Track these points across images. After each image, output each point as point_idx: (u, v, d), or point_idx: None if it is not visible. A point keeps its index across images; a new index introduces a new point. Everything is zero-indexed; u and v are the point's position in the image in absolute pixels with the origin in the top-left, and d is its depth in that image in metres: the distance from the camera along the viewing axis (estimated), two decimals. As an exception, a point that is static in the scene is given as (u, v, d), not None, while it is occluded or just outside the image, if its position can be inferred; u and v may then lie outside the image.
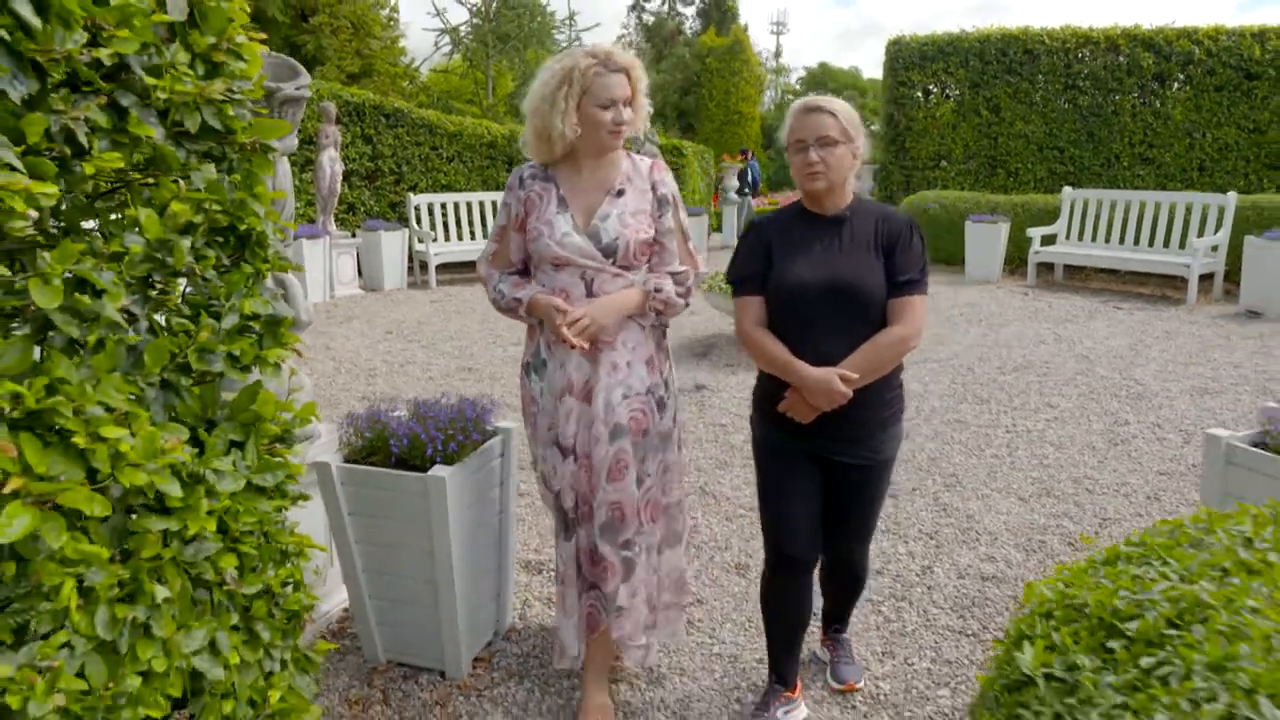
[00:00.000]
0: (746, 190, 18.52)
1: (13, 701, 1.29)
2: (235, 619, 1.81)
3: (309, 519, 3.07)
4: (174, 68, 1.62)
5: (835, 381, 2.39)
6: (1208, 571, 1.42)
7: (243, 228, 1.80)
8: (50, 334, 1.42)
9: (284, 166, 3.00)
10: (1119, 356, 7.69)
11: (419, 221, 12.65)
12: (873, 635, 3.32)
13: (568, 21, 26.36)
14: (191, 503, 1.65)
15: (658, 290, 2.61)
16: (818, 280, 2.45)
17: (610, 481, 2.59)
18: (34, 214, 1.35)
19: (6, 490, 1.28)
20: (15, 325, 1.39)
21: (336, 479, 2.86)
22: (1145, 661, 1.19)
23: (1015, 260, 12.85)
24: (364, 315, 10.03)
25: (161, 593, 1.56)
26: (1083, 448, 5.41)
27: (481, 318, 9.83)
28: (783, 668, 2.81)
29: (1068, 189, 12.48)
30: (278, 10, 16.22)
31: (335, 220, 12.06)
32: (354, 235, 11.96)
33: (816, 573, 2.86)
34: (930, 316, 9.57)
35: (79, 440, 1.40)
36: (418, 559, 2.86)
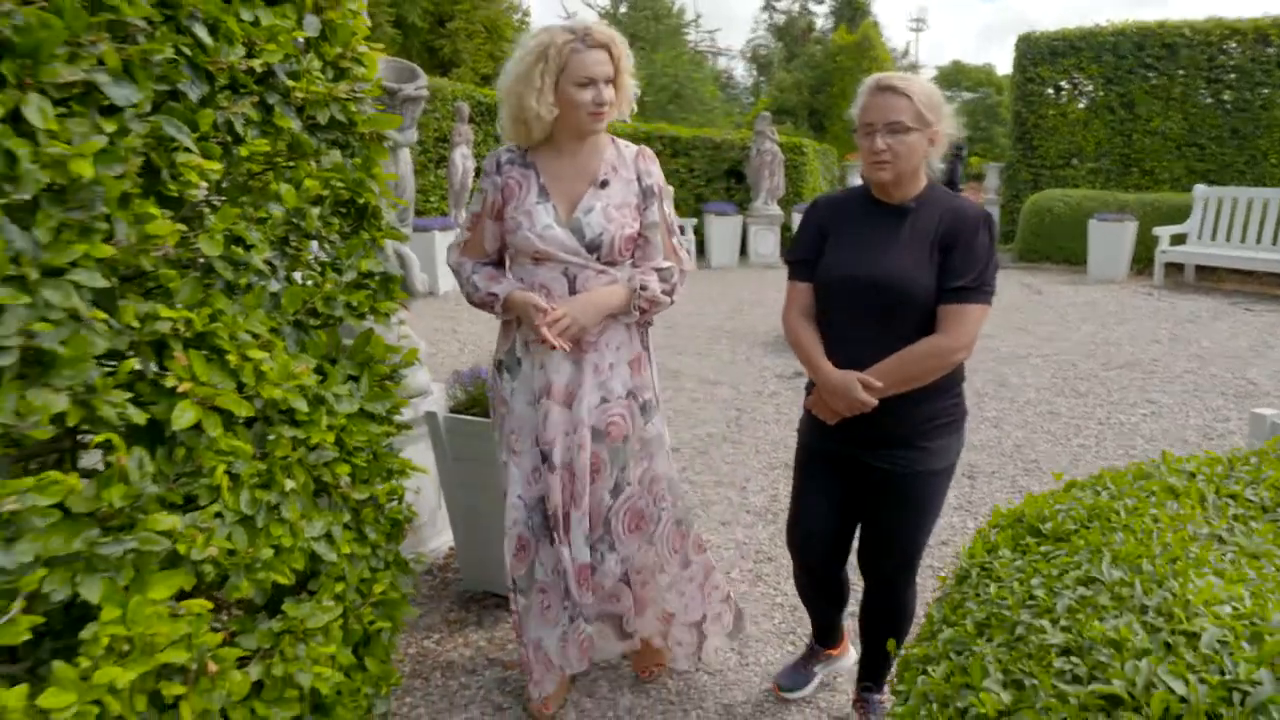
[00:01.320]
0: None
1: (181, 548, 1.72)
2: (347, 518, 2.24)
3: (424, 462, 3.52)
4: (309, 73, 2.05)
5: (855, 387, 2.22)
6: (1138, 494, 1.67)
7: (361, 201, 2.23)
8: (213, 277, 1.86)
9: (405, 155, 3.47)
10: (1236, 357, 7.55)
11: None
12: (930, 600, 3.56)
13: (694, 23, 26.72)
14: (315, 418, 2.09)
15: (643, 288, 2.45)
16: (862, 275, 2.27)
17: (589, 484, 2.51)
18: (204, 185, 1.79)
19: (180, 390, 1.73)
20: (190, 269, 1.84)
21: (442, 428, 3.29)
22: (1044, 548, 1.47)
23: (1144, 260, 12.52)
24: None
25: (289, 484, 1.99)
26: (1174, 441, 5.44)
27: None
28: (822, 634, 2.87)
29: (1200, 186, 12.10)
30: (418, 17, 17.24)
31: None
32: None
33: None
34: (1045, 314, 9.53)
35: (231, 359, 1.84)
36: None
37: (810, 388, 2.46)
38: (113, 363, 1.68)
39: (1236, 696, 0.93)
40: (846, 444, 2.42)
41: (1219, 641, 1.02)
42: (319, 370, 2.16)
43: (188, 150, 1.74)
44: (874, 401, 2.23)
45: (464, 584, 3.58)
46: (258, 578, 1.92)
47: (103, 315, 1.59)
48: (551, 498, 2.47)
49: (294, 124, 2.02)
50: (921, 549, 2.50)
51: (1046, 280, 12.24)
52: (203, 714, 1.75)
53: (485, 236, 2.52)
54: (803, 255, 2.44)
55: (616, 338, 2.50)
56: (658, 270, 2.50)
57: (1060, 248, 13.42)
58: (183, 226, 1.75)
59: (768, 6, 42.34)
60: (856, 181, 11.00)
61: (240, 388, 1.86)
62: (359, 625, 2.31)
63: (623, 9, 23.50)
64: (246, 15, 1.87)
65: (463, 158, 11.71)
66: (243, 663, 1.92)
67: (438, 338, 8.44)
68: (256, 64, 1.90)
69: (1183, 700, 0.94)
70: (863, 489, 2.45)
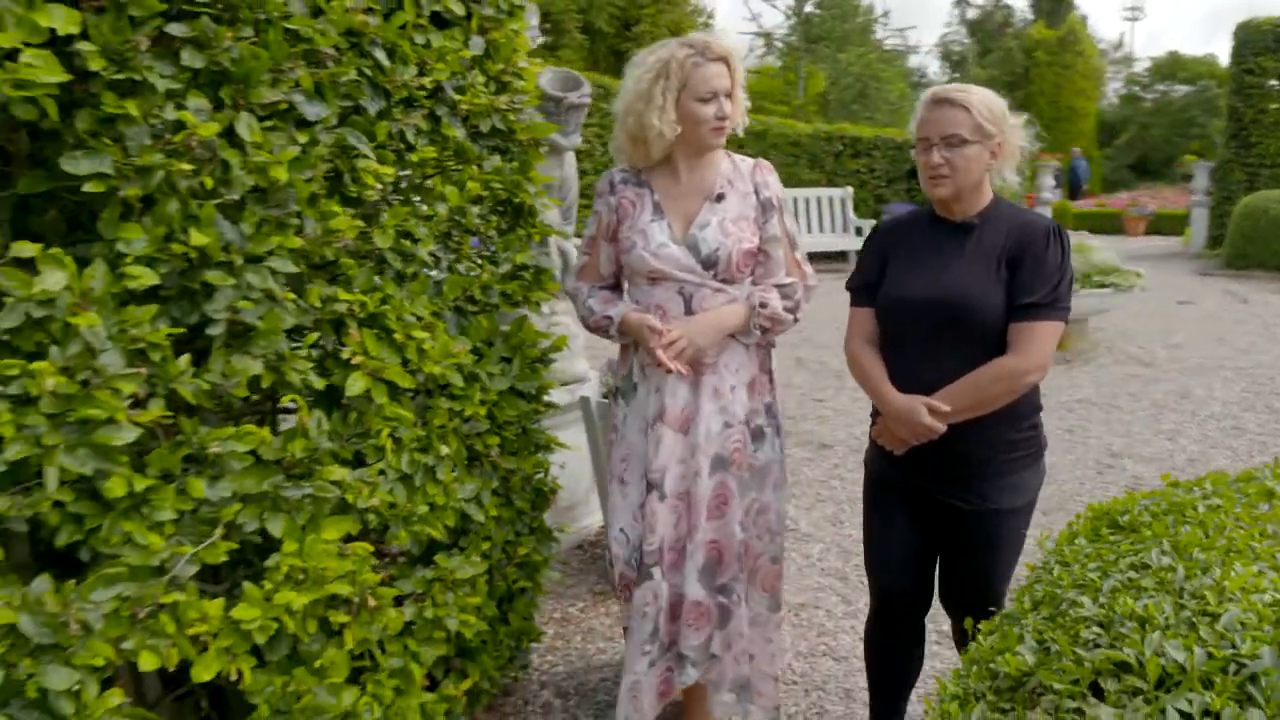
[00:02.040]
0: (1059, 189, 17.73)
1: (349, 497, 2.01)
2: (496, 485, 2.50)
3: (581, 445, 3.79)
4: (473, 87, 2.32)
5: (920, 412, 2.09)
6: (1232, 494, 1.69)
7: (517, 201, 2.49)
8: (384, 266, 2.15)
9: (569, 158, 3.74)
10: None
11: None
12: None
13: (882, 19, 26.28)
14: (469, 393, 2.35)
15: (763, 305, 2.32)
16: (924, 296, 2.16)
17: (710, 520, 2.35)
18: (380, 187, 2.07)
19: (353, 362, 2.01)
20: (365, 259, 2.13)
21: (595, 413, 3.54)
22: (1114, 538, 1.54)
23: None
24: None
25: (444, 450, 2.26)
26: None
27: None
28: None
29: None
30: (604, 22, 17.84)
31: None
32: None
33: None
34: (1248, 324, 8.95)
35: (398, 337, 2.12)
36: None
37: (875, 416, 2.32)
38: (299, 337, 1.99)
39: (1233, 668, 1.01)
40: (917, 476, 2.26)
41: (1239, 623, 1.09)
42: (475, 351, 2.43)
43: (366, 157, 2.03)
44: (941, 428, 2.10)
45: (610, 559, 3.81)
46: (414, 529, 2.20)
47: (292, 296, 1.90)
48: (657, 529, 2.32)
49: (459, 133, 2.29)
50: (1004, 591, 2.29)
51: (1255, 288, 11.43)
52: (362, 642, 2.03)
53: (601, 259, 2.43)
54: (863, 280, 2.34)
55: (736, 359, 2.36)
56: (779, 286, 2.38)
57: (1275, 253, 12.47)
58: (361, 223, 2.04)
59: (961, 1, 41.00)
60: (1049, 181, 10.42)
61: (405, 363, 2.14)
62: (503, 582, 2.57)
63: (808, 8, 23.41)
64: (419, 39, 2.15)
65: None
66: (398, 603, 2.20)
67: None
68: (427, 81, 2.17)
69: (1181, 669, 1.02)
70: (936, 525, 2.30)
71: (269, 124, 1.82)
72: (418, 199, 2.23)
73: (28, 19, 1.43)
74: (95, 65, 1.55)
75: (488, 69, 2.39)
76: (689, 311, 2.31)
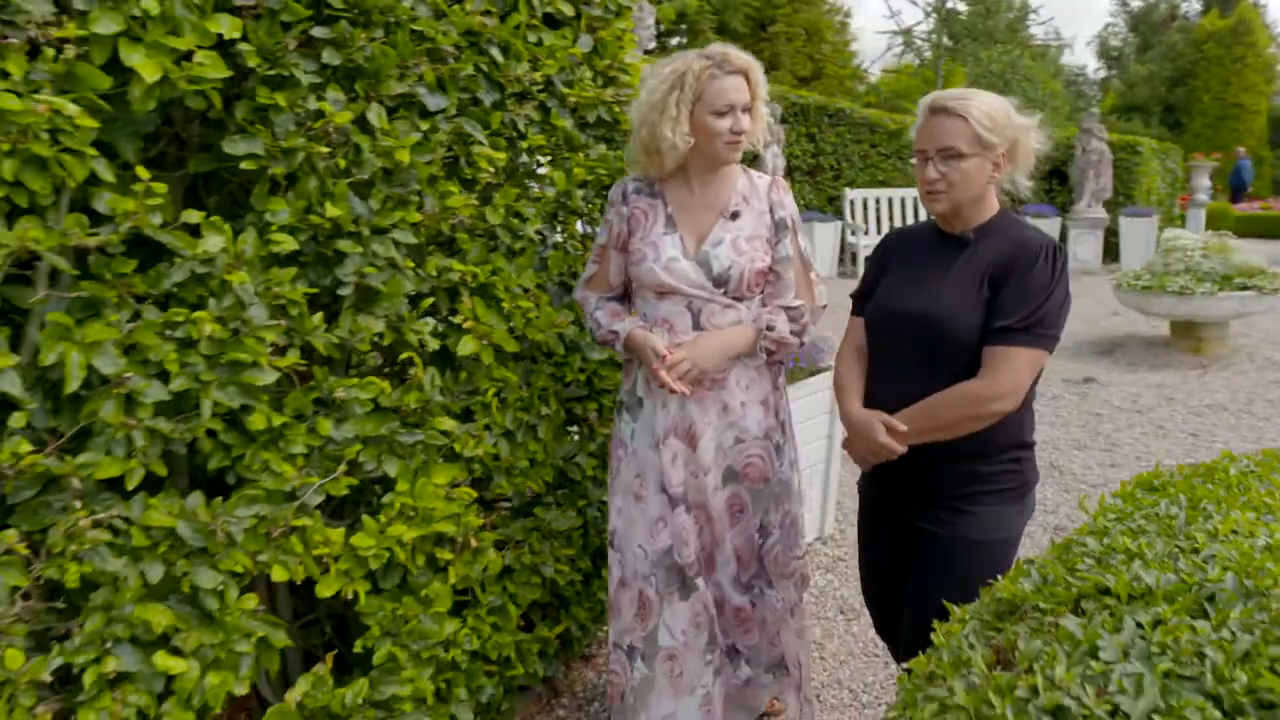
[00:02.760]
0: (1217, 191, 16.82)
1: (457, 447, 2.25)
2: (593, 448, 2.71)
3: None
4: (581, 81, 2.53)
5: (876, 429, 2.03)
6: (1275, 464, 1.74)
7: (619, 187, 2.68)
8: (495, 241, 2.39)
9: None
10: None
11: (852, 215, 13.37)
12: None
13: (1033, 14, 25.43)
14: (570, 360, 2.58)
15: (770, 328, 2.29)
16: (906, 310, 2.09)
17: (731, 526, 2.39)
18: (492, 170, 2.31)
19: (464, 326, 2.26)
20: (478, 235, 2.37)
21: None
22: (1139, 495, 1.62)
23: None
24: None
25: (545, 410, 2.49)
26: None
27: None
28: None
29: None
30: (739, 23, 18.01)
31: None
32: (789, 224, 13.01)
33: None
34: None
35: (505, 305, 2.35)
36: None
37: None
38: (417, 302, 2.24)
39: (1195, 589, 1.11)
40: (896, 498, 2.20)
41: (1213, 555, 1.19)
42: (577, 323, 2.64)
43: (480, 144, 2.27)
44: (898, 447, 2.02)
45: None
46: (514, 481, 2.43)
47: (412, 265, 2.15)
48: (690, 541, 2.32)
49: (567, 123, 2.51)
50: None
51: None
52: (464, 579, 2.28)
53: (610, 269, 2.38)
54: (861, 289, 2.30)
55: (746, 376, 2.33)
56: (787, 309, 2.33)
57: None
58: (475, 201, 2.28)
59: (1124, -6, 39.16)
60: (1204, 183, 9.81)
61: (511, 329, 2.38)
62: (598, 539, 2.77)
63: (950, 3, 22.92)
64: (532, 37, 2.38)
65: (773, 156, 12.15)
66: (499, 548, 2.44)
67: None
68: (538, 75, 2.40)
69: (1149, 589, 1.13)
70: (911, 550, 2.18)
71: (396, 113, 2.08)
72: (528, 182, 2.46)
73: (200, 25, 1.71)
74: (252, 63, 1.83)
75: (595, 65, 2.60)
76: (697, 326, 2.27)
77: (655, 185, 2.32)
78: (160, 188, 1.73)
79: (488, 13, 2.26)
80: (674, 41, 20.33)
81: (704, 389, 2.28)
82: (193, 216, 1.80)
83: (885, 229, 13.46)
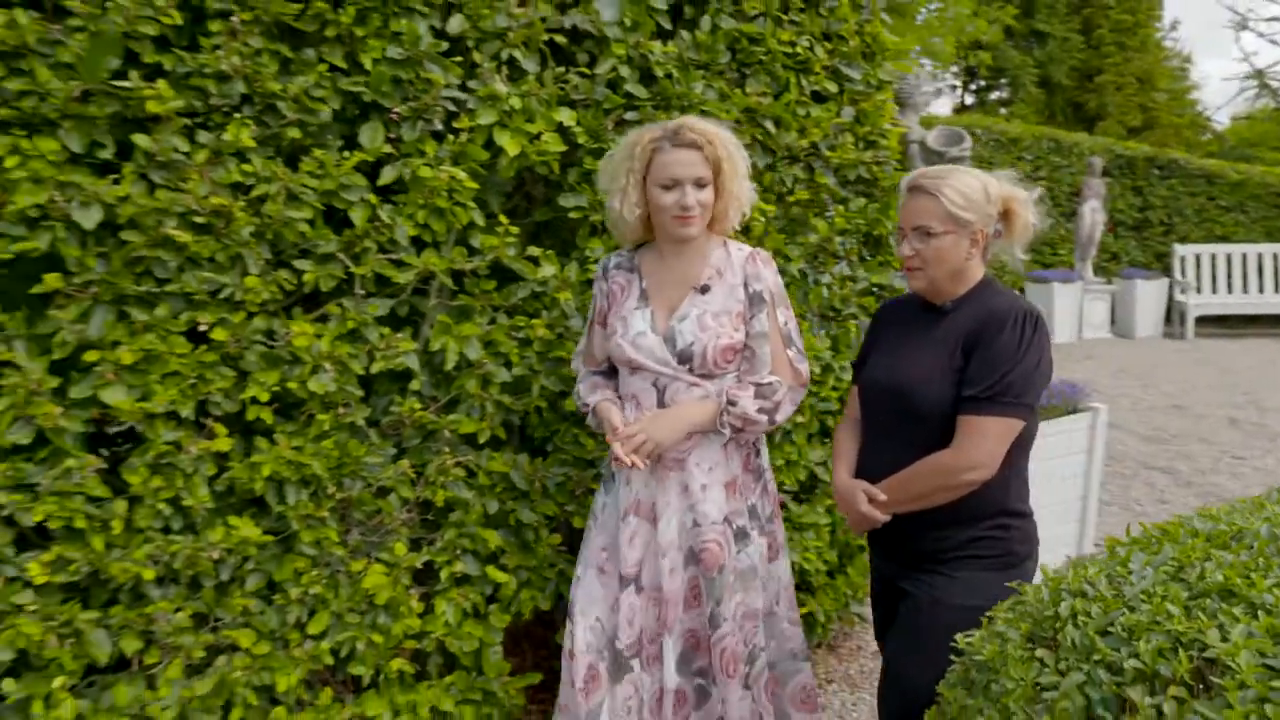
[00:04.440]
0: None
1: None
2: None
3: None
4: (844, 145, 3.01)
5: (858, 499, 2.09)
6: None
7: (876, 233, 3.13)
8: (762, 277, 2.91)
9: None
10: None
11: (1182, 272, 12.56)
12: None
13: None
14: (824, 380, 3.03)
15: (731, 404, 2.19)
16: (885, 381, 2.14)
17: (686, 611, 2.30)
18: (763, 219, 2.84)
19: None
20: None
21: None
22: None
23: None
24: (1102, 356, 10.58)
25: (799, 419, 2.96)
26: None
27: (1222, 369, 9.65)
28: None
29: None
30: (1063, 75, 17.40)
31: (1094, 268, 12.68)
32: (1109, 283, 12.44)
33: None
34: None
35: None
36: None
37: None
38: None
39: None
40: (885, 561, 2.24)
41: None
42: (834, 348, 3.09)
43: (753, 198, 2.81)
44: (881, 516, 2.07)
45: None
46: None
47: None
48: (635, 621, 2.27)
49: (829, 180, 2.99)
50: (921, 692, 1.88)
51: None
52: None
53: (595, 345, 2.37)
54: (858, 358, 2.34)
55: (709, 457, 2.25)
56: (757, 385, 2.23)
57: None
58: (751, 245, 2.81)
59: None
60: None
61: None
62: (845, 537, 3.18)
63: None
64: (800, 111, 2.89)
65: (1091, 211, 11.76)
66: (755, 531, 2.93)
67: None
68: (805, 142, 2.91)
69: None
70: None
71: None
72: (792, 230, 2.96)
73: (547, 115, 2.41)
74: (581, 140, 2.50)
75: (857, 131, 3.07)
76: (662, 404, 2.22)
77: (635, 259, 2.32)
78: (514, 230, 2.43)
79: (763, 94, 2.81)
80: (993, 96, 20.01)
81: (665, 468, 2.23)
82: (534, 251, 2.49)
83: (1221, 288, 12.53)
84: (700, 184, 2.15)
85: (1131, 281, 12.14)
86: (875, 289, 3.17)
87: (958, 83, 20.44)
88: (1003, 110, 19.01)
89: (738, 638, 2.28)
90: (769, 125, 2.83)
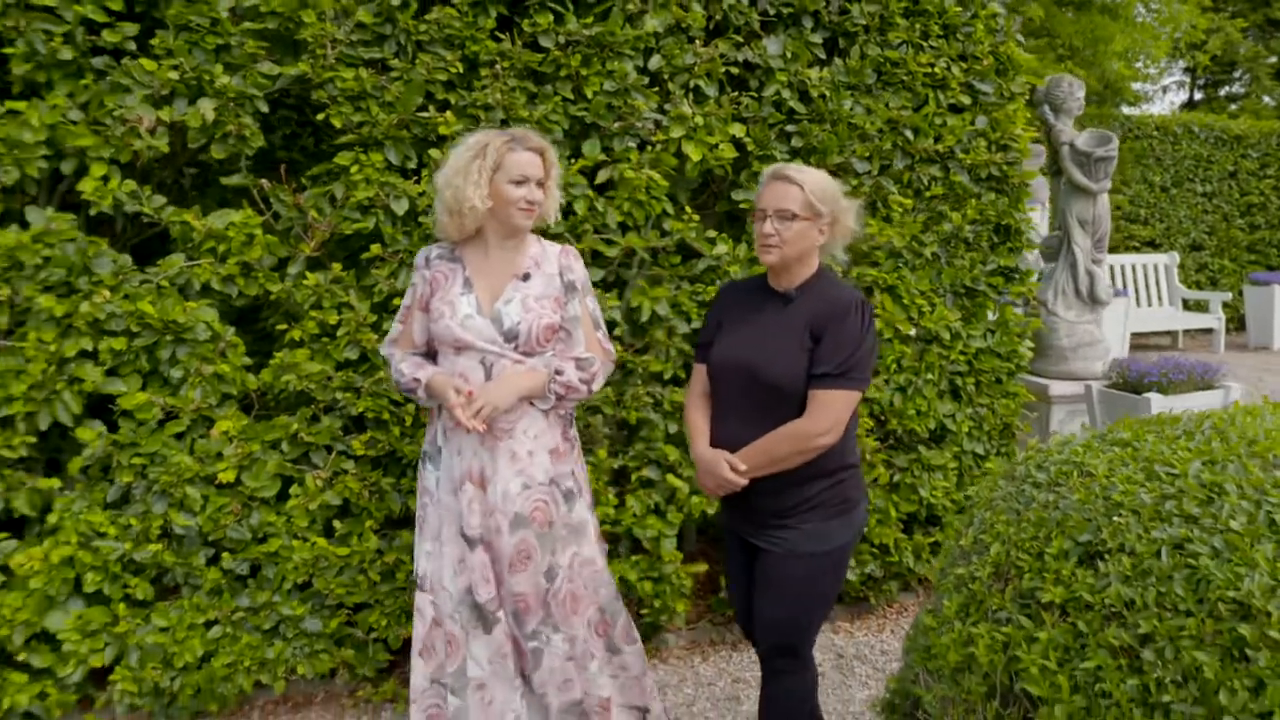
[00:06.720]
0: None
1: (870, 392, 3.42)
2: (969, 412, 3.69)
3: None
4: (976, 148, 3.57)
5: (721, 466, 2.29)
6: None
7: (1005, 223, 3.66)
8: (901, 259, 3.52)
9: (1103, 200, 4.64)
10: None
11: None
12: None
13: None
14: (954, 345, 3.60)
15: (559, 373, 2.47)
16: (737, 360, 2.35)
17: (514, 573, 2.49)
18: (901, 210, 3.45)
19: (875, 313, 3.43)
20: (890, 254, 3.52)
21: (1095, 399, 4.43)
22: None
23: None
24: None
25: (929, 376, 3.55)
26: None
27: None
28: None
29: None
30: None
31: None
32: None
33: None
34: None
35: (905, 301, 3.47)
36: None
37: None
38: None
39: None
40: (737, 521, 2.47)
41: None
42: (965, 319, 3.65)
43: (893, 193, 3.43)
44: (740, 481, 2.27)
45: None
46: (904, 424, 3.53)
47: (840, 268, 3.38)
48: (489, 578, 2.48)
49: (963, 178, 3.56)
50: (804, 637, 2.40)
51: None
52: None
53: (414, 329, 2.56)
54: (703, 339, 2.52)
55: (535, 426, 2.50)
56: (576, 359, 2.52)
57: None
58: (892, 231, 3.44)
59: None
60: None
61: (910, 319, 3.49)
62: (969, 480, 3.74)
63: None
64: (937, 120, 3.49)
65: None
66: (888, 468, 3.55)
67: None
68: (940, 147, 3.50)
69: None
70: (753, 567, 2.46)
71: (835, 174, 3.33)
72: (927, 219, 3.56)
73: (722, 129, 3.15)
74: (750, 147, 3.22)
75: (990, 136, 3.62)
76: (488, 380, 2.43)
77: (455, 251, 2.53)
78: (695, 217, 3.18)
79: (904, 107, 3.43)
80: (1222, 92, 18.93)
81: (495, 438, 2.44)
82: (712, 234, 3.23)
83: None
84: (539, 183, 2.45)
85: (1269, 287, 11.44)
86: (1004, 270, 3.70)
87: (1185, 79, 19.43)
88: (1233, 106, 17.97)
89: (576, 583, 2.58)
90: (908, 133, 3.44)
